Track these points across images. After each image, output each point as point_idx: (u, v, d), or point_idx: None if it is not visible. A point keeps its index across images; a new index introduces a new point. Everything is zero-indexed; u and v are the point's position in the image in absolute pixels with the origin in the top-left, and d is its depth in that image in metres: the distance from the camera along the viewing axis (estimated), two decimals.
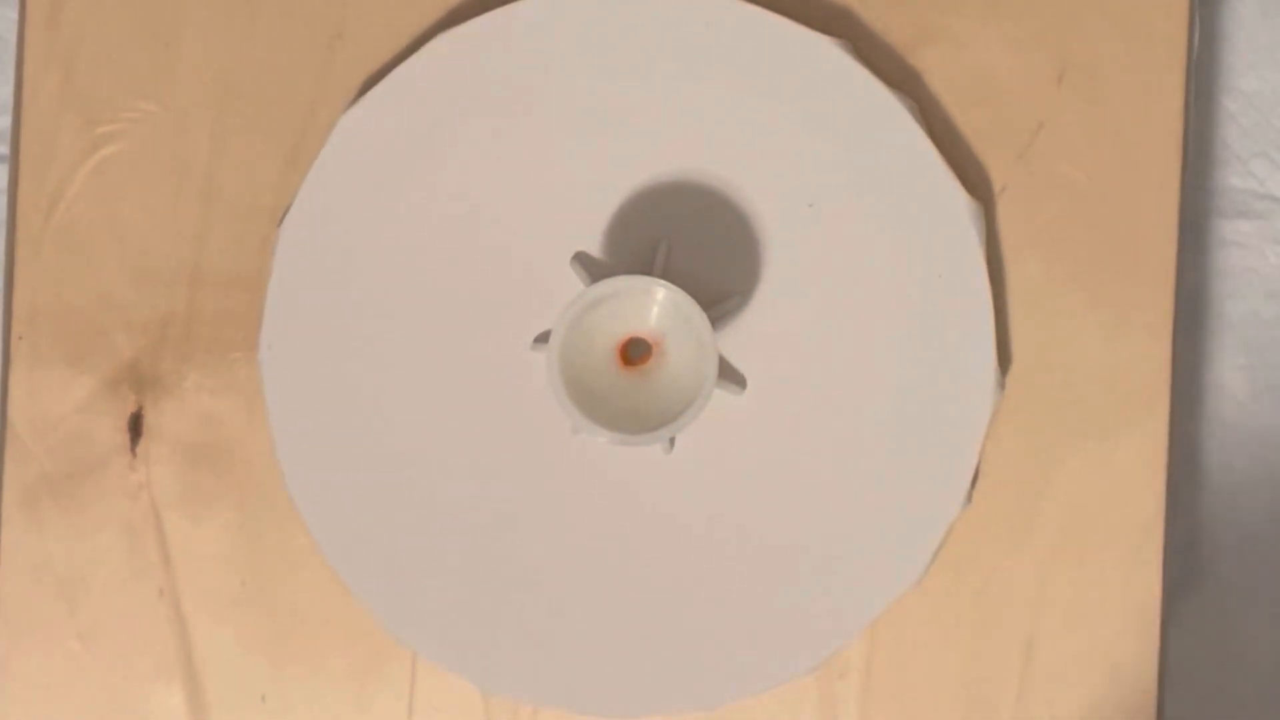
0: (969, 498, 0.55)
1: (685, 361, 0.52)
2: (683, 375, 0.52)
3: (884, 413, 0.55)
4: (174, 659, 0.58)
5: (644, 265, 0.55)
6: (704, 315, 0.51)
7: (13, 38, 0.59)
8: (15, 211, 0.59)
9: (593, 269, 0.55)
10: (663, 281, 0.51)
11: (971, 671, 0.56)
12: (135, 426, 0.58)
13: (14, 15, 0.59)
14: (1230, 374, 0.62)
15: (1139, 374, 0.56)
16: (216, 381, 0.58)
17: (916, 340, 0.55)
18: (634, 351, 0.53)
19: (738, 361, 0.55)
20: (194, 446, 0.58)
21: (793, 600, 0.55)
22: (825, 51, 0.55)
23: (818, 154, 0.55)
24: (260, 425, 0.57)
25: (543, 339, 0.55)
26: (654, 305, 0.52)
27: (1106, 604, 0.56)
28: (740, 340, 0.55)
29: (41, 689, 0.59)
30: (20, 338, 0.59)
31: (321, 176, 0.56)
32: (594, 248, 0.56)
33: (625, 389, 0.53)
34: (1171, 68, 0.56)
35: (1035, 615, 0.56)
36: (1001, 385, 0.55)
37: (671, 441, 0.55)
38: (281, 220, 0.57)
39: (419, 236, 0.56)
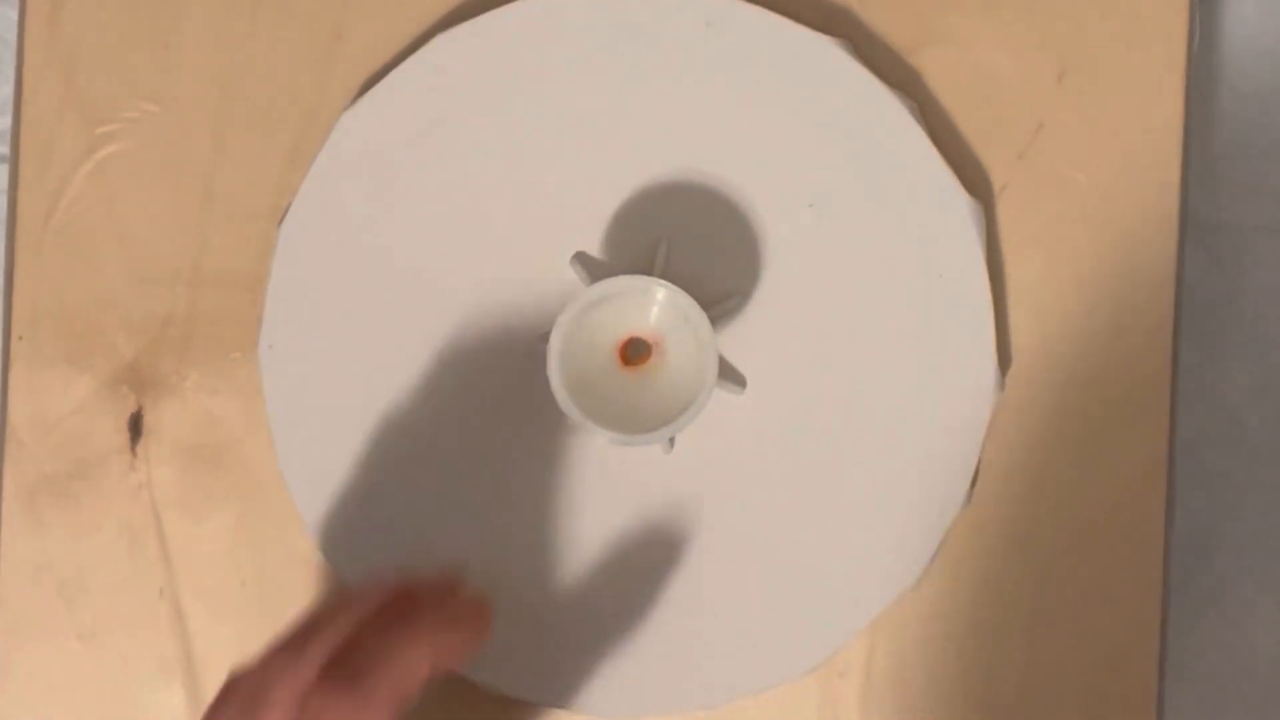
0: (969, 498, 0.55)
1: (685, 361, 0.52)
2: (683, 375, 0.52)
3: (884, 413, 0.55)
4: (174, 659, 0.58)
5: (644, 265, 0.55)
6: (704, 315, 0.51)
7: (13, 38, 0.59)
8: (15, 211, 0.59)
9: (593, 269, 0.55)
10: (662, 281, 0.51)
11: (971, 671, 0.56)
12: (135, 426, 0.58)
13: (14, 15, 0.59)
14: (1230, 374, 0.62)
15: (1139, 374, 0.56)
16: (216, 381, 0.58)
17: (916, 340, 0.55)
18: (634, 351, 0.53)
19: (738, 361, 0.55)
20: (194, 446, 0.58)
21: (793, 600, 0.55)
22: (825, 51, 0.55)
23: (818, 154, 0.55)
24: (260, 425, 0.57)
25: (543, 339, 0.55)
26: (654, 305, 0.52)
27: (1106, 604, 0.56)
28: (740, 340, 0.55)
29: (41, 689, 0.59)
30: (20, 338, 0.59)
31: (321, 176, 0.56)
32: (594, 248, 0.56)
33: (626, 388, 0.53)
34: (1171, 68, 0.56)
35: (1035, 615, 0.56)
36: (1001, 385, 0.55)
37: (671, 441, 0.55)
38: (281, 220, 0.57)
39: (418, 236, 0.56)
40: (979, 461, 0.55)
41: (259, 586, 0.58)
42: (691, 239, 0.55)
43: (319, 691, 0.45)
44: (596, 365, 0.52)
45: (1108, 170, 0.56)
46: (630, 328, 0.53)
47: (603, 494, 0.56)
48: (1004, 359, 0.56)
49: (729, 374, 0.55)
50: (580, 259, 0.55)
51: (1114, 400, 0.56)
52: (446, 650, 0.48)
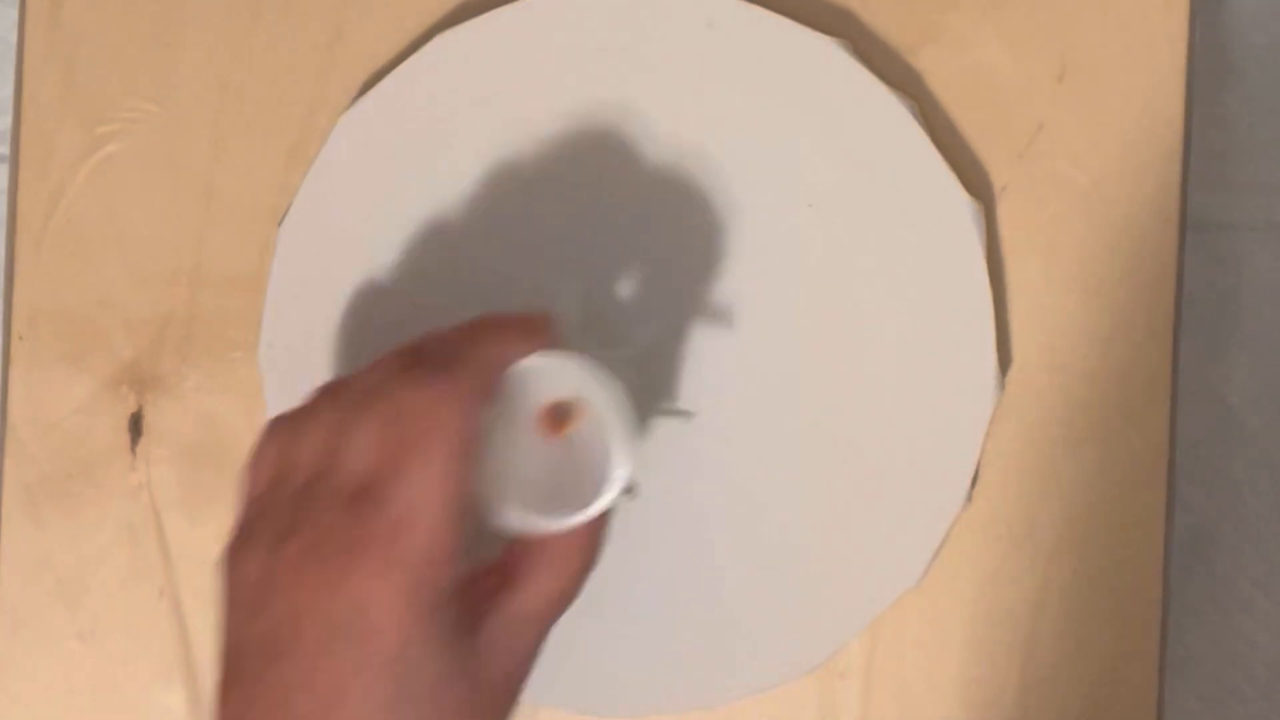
0: (969, 498, 0.55)
1: (608, 426, 0.49)
2: (607, 439, 0.49)
3: (884, 413, 0.55)
4: (174, 659, 0.58)
5: (632, 281, 0.55)
6: (617, 384, 0.48)
7: (13, 38, 0.59)
8: (15, 211, 0.59)
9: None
10: (574, 354, 0.49)
11: (971, 671, 0.56)
12: (135, 426, 0.59)
13: (14, 15, 0.59)
14: (1230, 374, 0.62)
15: (1139, 374, 0.56)
16: (216, 381, 0.58)
17: (916, 340, 0.55)
18: (556, 418, 0.51)
19: (736, 363, 0.55)
20: (194, 446, 0.58)
21: (793, 600, 0.55)
22: (825, 51, 0.55)
23: (818, 154, 0.55)
24: (260, 425, 0.57)
25: None
26: (569, 375, 0.49)
27: (1106, 604, 0.56)
28: (739, 340, 0.55)
29: (41, 689, 0.59)
30: (20, 338, 0.59)
31: (321, 176, 0.56)
32: (592, 247, 0.56)
33: (550, 460, 0.50)
34: (1171, 68, 0.56)
35: (1035, 615, 0.56)
36: (1001, 385, 0.55)
37: (631, 491, 0.51)
38: (281, 220, 0.57)
39: (418, 236, 0.56)
40: (979, 461, 0.55)
41: None
42: (689, 239, 0.55)
43: (405, 382, 0.46)
44: (516, 439, 0.49)
45: (1108, 170, 0.56)
46: (550, 395, 0.50)
47: None
48: (1004, 359, 0.56)
49: (671, 410, 0.54)
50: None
51: (1114, 400, 0.56)
52: (517, 344, 0.48)
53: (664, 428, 0.55)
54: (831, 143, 0.55)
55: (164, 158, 0.58)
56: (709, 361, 0.55)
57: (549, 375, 0.49)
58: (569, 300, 0.55)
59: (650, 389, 0.55)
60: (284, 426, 0.49)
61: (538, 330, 0.49)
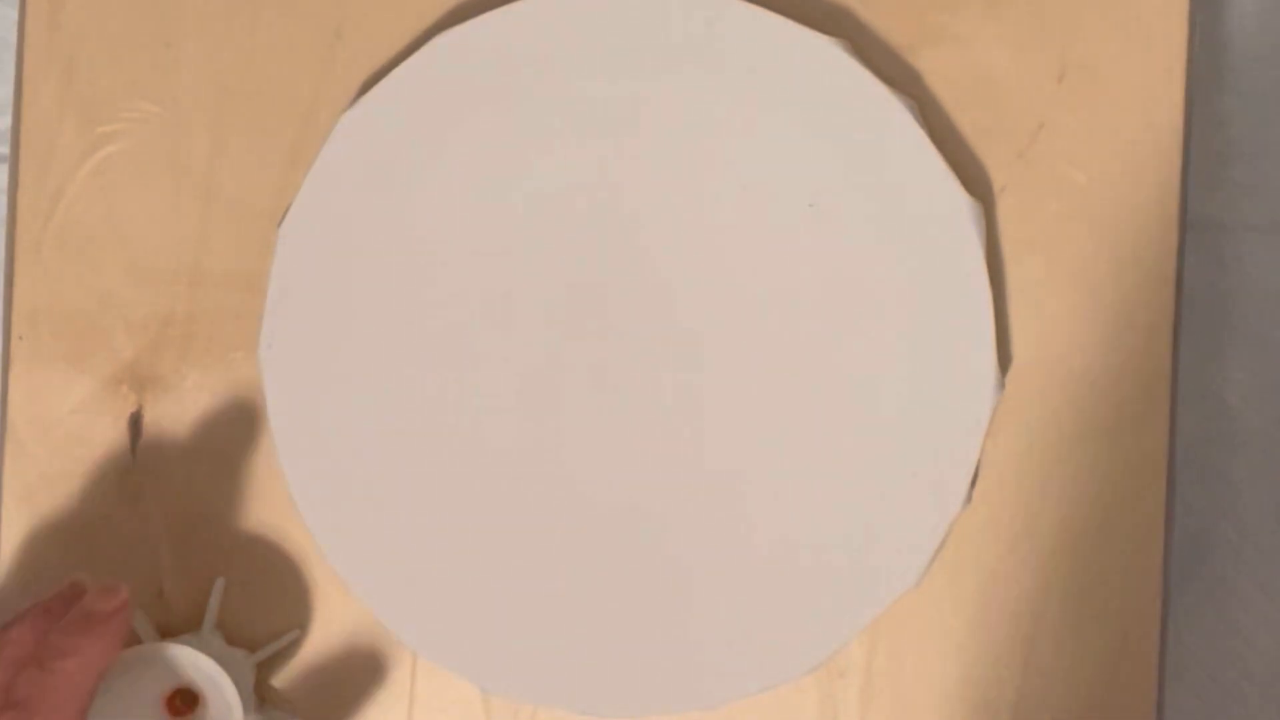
0: (969, 498, 0.55)
1: (228, 707, 0.54)
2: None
3: (884, 413, 0.55)
4: None
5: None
6: (228, 678, 0.53)
7: (13, 38, 0.59)
8: (15, 211, 0.59)
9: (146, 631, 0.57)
10: (191, 650, 0.54)
11: (971, 671, 0.56)
12: (135, 426, 0.58)
13: (14, 15, 0.59)
14: (1230, 374, 0.62)
15: (1139, 374, 0.56)
16: (216, 381, 0.58)
17: (916, 340, 0.55)
18: (182, 701, 0.55)
19: (736, 363, 0.55)
20: (194, 446, 0.58)
21: (793, 600, 0.55)
22: (825, 51, 0.55)
23: (818, 154, 0.55)
24: (260, 425, 0.57)
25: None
26: (198, 666, 0.54)
27: (1106, 604, 0.56)
28: (740, 339, 0.55)
29: None
30: (20, 338, 0.59)
31: (321, 176, 0.56)
32: (590, 247, 0.56)
33: None
34: (1171, 68, 0.56)
35: (1035, 615, 0.56)
36: (1001, 385, 0.55)
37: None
38: (281, 220, 0.57)
39: (418, 236, 0.56)
40: (979, 461, 0.55)
41: (259, 587, 0.58)
42: (689, 238, 0.55)
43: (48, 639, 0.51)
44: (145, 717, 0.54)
45: (1108, 170, 0.56)
46: (174, 682, 0.54)
47: (604, 496, 0.56)
48: (1004, 359, 0.56)
49: (279, 703, 0.57)
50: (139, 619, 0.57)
51: (1114, 400, 0.56)
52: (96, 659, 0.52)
53: (665, 422, 0.55)
54: (831, 143, 0.55)
55: (164, 158, 0.58)
56: (709, 360, 0.56)
57: (181, 662, 0.54)
58: (212, 596, 0.57)
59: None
60: None
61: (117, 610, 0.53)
